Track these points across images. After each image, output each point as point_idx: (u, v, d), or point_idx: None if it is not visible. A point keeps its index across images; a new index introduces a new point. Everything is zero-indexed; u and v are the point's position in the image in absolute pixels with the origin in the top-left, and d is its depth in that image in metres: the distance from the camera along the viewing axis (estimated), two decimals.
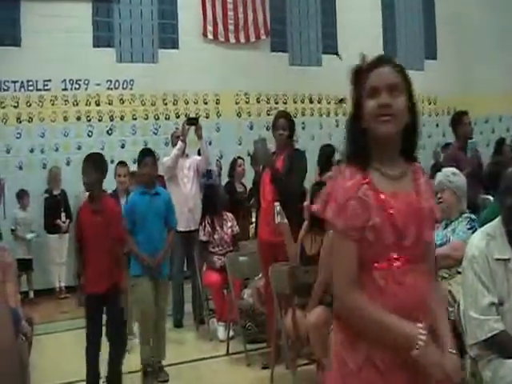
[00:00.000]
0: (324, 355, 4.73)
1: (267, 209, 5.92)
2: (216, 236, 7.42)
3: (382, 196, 2.22)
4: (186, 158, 8.00)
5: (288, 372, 5.50)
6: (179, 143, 7.64)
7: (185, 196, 7.75)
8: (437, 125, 13.83)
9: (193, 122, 7.78)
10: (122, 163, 7.64)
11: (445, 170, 5.06)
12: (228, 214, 7.66)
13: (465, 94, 13.39)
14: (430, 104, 14.07)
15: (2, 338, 1.92)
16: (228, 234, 7.50)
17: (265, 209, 6.01)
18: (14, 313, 3.05)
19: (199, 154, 8.30)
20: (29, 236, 9.89)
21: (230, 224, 7.57)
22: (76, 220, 5.63)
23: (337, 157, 7.91)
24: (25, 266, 9.77)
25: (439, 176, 4.92)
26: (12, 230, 9.85)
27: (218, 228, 7.45)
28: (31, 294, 9.90)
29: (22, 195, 10.00)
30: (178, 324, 7.68)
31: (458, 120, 7.68)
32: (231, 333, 6.84)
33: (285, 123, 6.05)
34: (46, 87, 10.73)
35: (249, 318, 6.72)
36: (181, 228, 7.40)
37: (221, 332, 7.17)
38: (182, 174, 7.91)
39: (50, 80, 10.69)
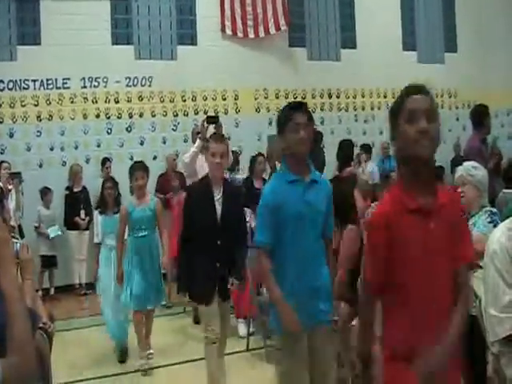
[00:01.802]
0: (344, 351, 4.71)
1: None
2: None
3: None
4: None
5: None
6: (198, 141, 7.60)
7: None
8: (457, 118, 13.71)
9: (213, 120, 7.69)
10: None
11: (466, 163, 5.00)
12: (246, 209, 7.62)
13: (485, 87, 13.25)
14: (450, 97, 13.95)
15: (20, 335, 1.93)
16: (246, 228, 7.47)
17: None
18: (30, 311, 3.06)
19: None
20: (51, 234, 9.94)
21: (248, 219, 7.54)
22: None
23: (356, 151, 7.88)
24: (49, 262, 9.85)
25: (460, 170, 4.86)
26: (35, 227, 9.92)
27: None
28: (52, 291, 9.96)
29: (45, 192, 10.08)
30: (198, 320, 7.68)
31: (479, 113, 7.60)
32: (251, 329, 6.84)
33: None
34: (65, 85, 10.79)
35: (267, 314, 6.69)
36: None
37: (241, 328, 7.17)
38: (202, 171, 7.90)
39: (69, 78, 10.75)
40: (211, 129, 7.67)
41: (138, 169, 6.45)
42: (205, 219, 5.02)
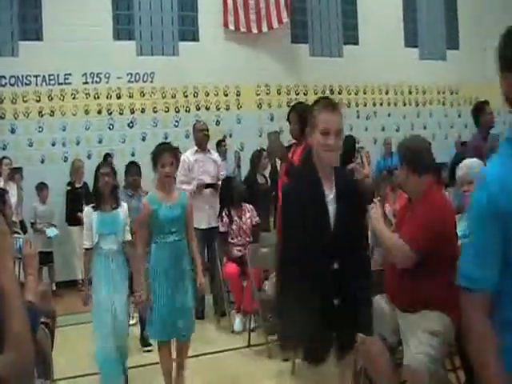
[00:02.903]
0: None
1: None
2: (234, 226, 7.41)
3: None
4: (208, 154, 8.04)
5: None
6: (196, 188, 7.69)
7: (205, 192, 7.77)
8: (459, 115, 13.70)
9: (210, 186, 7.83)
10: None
11: (469, 161, 4.99)
12: (247, 205, 7.63)
13: (487, 83, 13.21)
14: (451, 94, 13.94)
15: (17, 331, 1.92)
16: (247, 224, 7.47)
17: None
18: (32, 307, 3.05)
19: (217, 145, 8.31)
20: (50, 233, 9.94)
21: (248, 215, 7.54)
22: None
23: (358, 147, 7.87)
24: (45, 258, 9.84)
25: (463, 168, 4.86)
26: (32, 224, 9.92)
27: (236, 218, 7.44)
28: (53, 287, 9.96)
29: (41, 188, 10.07)
30: (200, 316, 7.69)
31: (480, 110, 7.60)
32: (252, 324, 6.84)
33: (294, 116, 6.06)
34: (67, 81, 10.78)
35: (270, 310, 6.71)
36: (202, 226, 7.47)
37: (237, 323, 7.19)
38: (201, 170, 7.92)
39: (71, 74, 10.75)
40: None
41: (166, 151, 5.05)
42: (314, 231, 3.32)
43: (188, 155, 7.98)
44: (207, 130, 8.09)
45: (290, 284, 3.33)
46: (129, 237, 5.48)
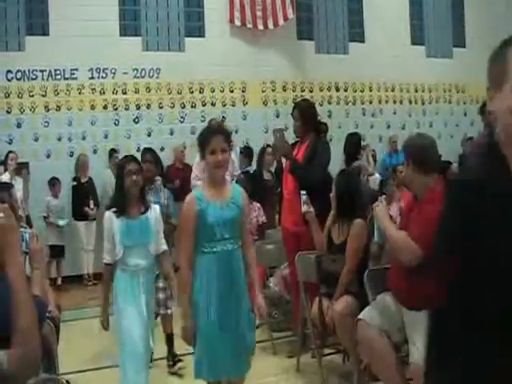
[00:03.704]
0: (350, 344, 4.73)
1: (289, 198, 5.94)
2: None
3: None
4: None
5: (314, 361, 5.48)
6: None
7: None
8: (465, 114, 13.67)
9: None
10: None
11: None
12: (254, 203, 7.61)
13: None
14: (458, 92, 13.91)
15: (25, 325, 1.94)
16: (253, 223, 7.46)
17: (287, 198, 6.04)
18: (39, 301, 3.07)
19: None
20: (61, 222, 10.03)
21: (255, 214, 7.53)
22: None
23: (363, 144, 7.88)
24: (57, 252, 9.90)
25: None
26: (44, 217, 9.97)
27: None
28: (59, 281, 10.00)
29: (53, 183, 10.14)
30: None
31: (481, 108, 7.59)
32: (257, 321, 6.85)
33: (296, 114, 6.07)
34: (73, 76, 10.79)
35: (275, 307, 6.72)
36: None
37: None
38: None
39: (77, 69, 10.76)
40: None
41: (217, 134, 3.85)
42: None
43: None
44: None
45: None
46: (164, 247, 4.69)
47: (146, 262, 4.52)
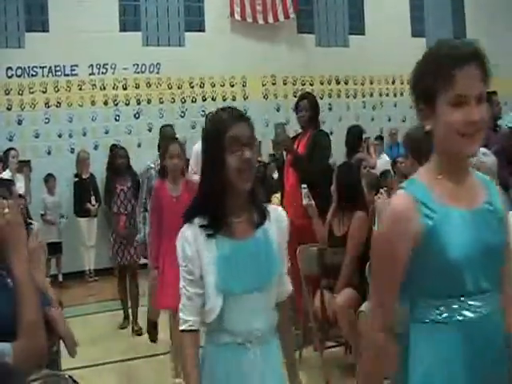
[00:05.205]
0: (352, 337, 4.73)
1: (290, 191, 5.97)
2: None
3: None
4: None
5: (316, 354, 5.48)
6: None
7: None
8: None
9: None
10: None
11: None
12: None
13: (494, 74, 13.12)
14: None
15: (30, 318, 1.95)
16: None
17: (288, 191, 6.06)
18: (43, 295, 3.08)
19: None
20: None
21: None
22: None
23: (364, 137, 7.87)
24: (54, 249, 9.88)
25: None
26: (42, 215, 9.96)
27: None
28: (60, 278, 10.00)
29: (48, 179, 10.12)
30: None
31: (487, 100, 7.57)
32: None
33: (306, 104, 6.09)
34: (73, 72, 10.78)
35: None
36: None
37: None
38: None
39: (77, 65, 10.75)
40: None
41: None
42: None
43: (199, 147, 8.00)
44: None
45: None
46: (290, 287, 2.57)
47: (266, 324, 2.40)
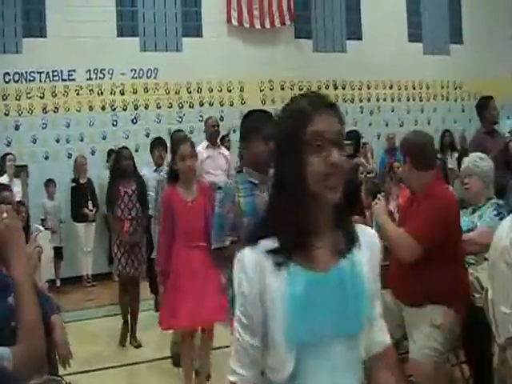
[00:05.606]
0: None
1: None
2: None
3: None
4: (218, 149, 8.15)
5: None
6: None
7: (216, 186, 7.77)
8: (462, 110, 13.68)
9: None
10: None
11: (472, 155, 4.99)
12: None
13: (491, 78, 13.20)
14: (455, 89, 13.91)
15: (29, 322, 1.95)
16: None
17: None
18: (50, 299, 3.09)
19: (221, 141, 8.46)
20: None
21: None
22: None
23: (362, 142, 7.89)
24: (55, 254, 9.87)
25: (466, 161, 4.86)
26: (42, 220, 9.95)
27: None
28: (58, 283, 9.99)
29: (48, 184, 10.12)
30: None
31: (484, 105, 7.59)
32: None
33: None
34: (70, 77, 10.79)
35: None
36: None
37: None
38: (214, 165, 8.02)
39: (74, 70, 10.76)
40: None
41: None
42: None
43: (200, 150, 8.04)
44: (218, 126, 8.28)
45: None
46: (385, 338, 2.02)
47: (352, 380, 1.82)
